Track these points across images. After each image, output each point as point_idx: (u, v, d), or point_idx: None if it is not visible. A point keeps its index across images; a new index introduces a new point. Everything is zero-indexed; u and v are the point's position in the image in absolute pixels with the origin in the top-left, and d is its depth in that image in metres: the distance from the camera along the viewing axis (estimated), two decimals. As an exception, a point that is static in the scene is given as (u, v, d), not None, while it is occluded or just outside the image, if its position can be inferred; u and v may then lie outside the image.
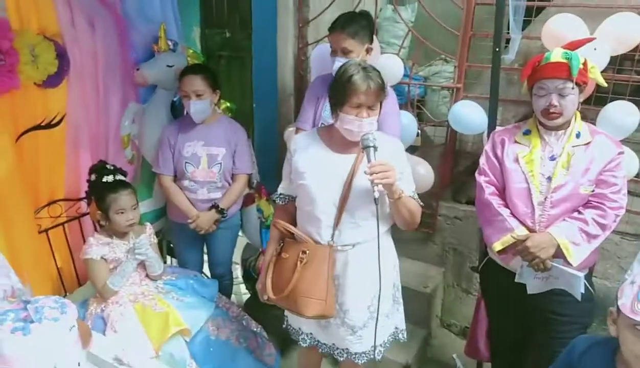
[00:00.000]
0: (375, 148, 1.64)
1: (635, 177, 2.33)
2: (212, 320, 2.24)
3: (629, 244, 2.51)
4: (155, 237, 2.36)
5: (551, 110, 1.77)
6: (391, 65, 2.59)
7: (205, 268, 2.88)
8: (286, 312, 2.01)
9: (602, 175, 1.79)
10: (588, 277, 1.92)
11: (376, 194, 1.60)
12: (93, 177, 2.22)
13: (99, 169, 2.22)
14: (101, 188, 2.16)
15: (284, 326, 2.06)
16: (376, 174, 1.58)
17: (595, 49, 2.08)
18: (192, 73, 2.39)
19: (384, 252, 1.71)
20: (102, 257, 2.14)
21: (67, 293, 2.36)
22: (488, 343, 2.38)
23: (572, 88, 1.75)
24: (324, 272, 1.73)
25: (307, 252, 1.75)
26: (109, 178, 2.17)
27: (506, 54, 2.38)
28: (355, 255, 1.79)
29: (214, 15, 4.34)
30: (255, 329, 2.51)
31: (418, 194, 1.87)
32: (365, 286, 1.81)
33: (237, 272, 3.29)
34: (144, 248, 2.15)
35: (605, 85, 1.94)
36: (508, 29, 2.42)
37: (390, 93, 2.16)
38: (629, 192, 2.76)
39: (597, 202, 1.79)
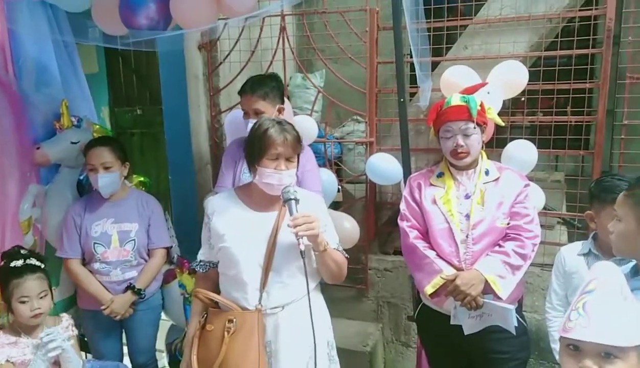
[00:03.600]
0: (297, 200, 1.62)
1: (543, 209, 2.48)
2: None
3: (549, 274, 2.60)
4: (74, 328, 2.07)
5: (459, 151, 1.86)
6: (305, 125, 2.63)
7: (126, 360, 2.59)
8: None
9: (514, 207, 1.88)
10: (519, 310, 1.96)
11: (302, 247, 1.56)
12: (2, 263, 1.95)
13: (11, 253, 1.96)
14: (6, 273, 1.89)
15: None
16: (300, 226, 1.55)
17: (488, 93, 2.27)
18: (99, 145, 2.30)
19: (315, 309, 1.64)
20: (7, 360, 1.82)
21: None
22: (433, 393, 2.31)
23: (474, 127, 1.87)
24: (254, 341, 1.62)
25: (234, 320, 1.64)
26: (17, 263, 1.89)
27: (419, 103, 2.53)
28: (285, 317, 1.70)
29: (124, 93, 4.29)
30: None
31: (345, 250, 1.85)
32: (300, 349, 1.71)
33: (164, 360, 3.01)
34: (58, 341, 1.81)
35: (503, 124, 2.11)
36: (412, 83, 2.59)
37: (307, 150, 2.18)
38: (541, 226, 2.95)
39: (514, 234, 1.87)
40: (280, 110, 2.18)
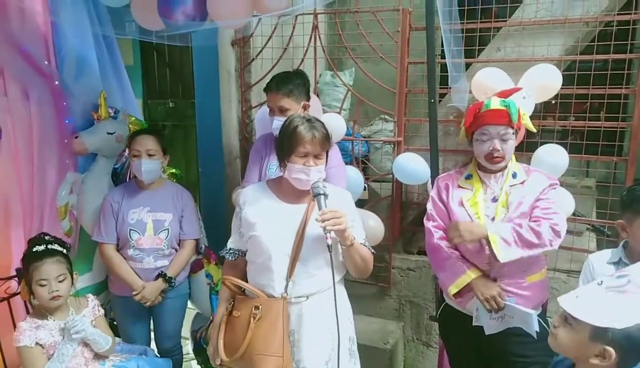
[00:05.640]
0: (325, 195, 1.65)
1: (572, 215, 2.45)
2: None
3: (575, 281, 2.58)
4: (100, 308, 2.15)
5: (495, 155, 1.85)
6: (334, 123, 2.66)
7: (153, 345, 2.67)
8: (239, 379, 1.89)
9: (535, 203, 1.86)
10: (542, 315, 1.95)
11: (329, 241, 1.59)
12: (26, 248, 2.03)
13: (35, 239, 2.03)
14: (28, 258, 1.96)
15: None
16: (328, 220, 1.58)
17: (524, 98, 2.24)
18: (145, 133, 2.40)
19: (338, 302, 1.67)
20: (37, 343, 1.90)
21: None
22: (454, 394, 2.32)
23: (513, 133, 1.86)
24: (279, 327, 1.67)
25: (260, 307, 1.69)
26: (39, 247, 1.96)
27: (456, 104, 2.52)
28: (309, 308, 1.74)
29: (157, 86, 4.39)
30: (211, 407, 2.31)
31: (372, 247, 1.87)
32: (322, 340, 1.75)
33: (188, 347, 3.08)
34: (80, 325, 1.92)
35: (535, 130, 2.08)
36: (442, 84, 2.58)
37: (334, 147, 2.21)
38: (569, 231, 2.91)
39: (534, 218, 1.84)
40: (305, 107, 2.19)
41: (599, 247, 2.85)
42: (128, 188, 2.45)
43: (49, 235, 2.09)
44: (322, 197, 1.65)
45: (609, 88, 2.51)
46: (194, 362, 3.08)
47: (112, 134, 2.54)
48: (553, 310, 2.60)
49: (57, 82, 2.44)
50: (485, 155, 1.87)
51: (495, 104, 1.86)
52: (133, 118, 2.77)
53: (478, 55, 2.83)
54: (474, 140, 1.91)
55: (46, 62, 2.39)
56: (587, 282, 1.91)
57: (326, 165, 1.77)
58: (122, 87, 2.87)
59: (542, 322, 1.84)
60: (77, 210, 2.56)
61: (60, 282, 1.93)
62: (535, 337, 1.79)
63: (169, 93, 4.32)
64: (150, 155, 2.33)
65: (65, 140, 2.48)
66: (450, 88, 2.53)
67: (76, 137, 2.47)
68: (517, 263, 1.86)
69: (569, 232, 2.89)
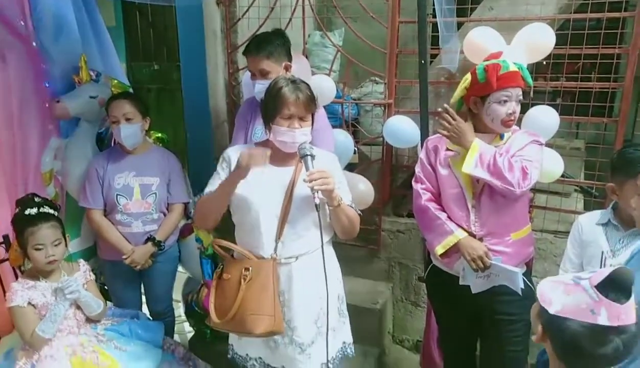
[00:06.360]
0: (312, 156, 1.66)
1: (561, 177, 2.45)
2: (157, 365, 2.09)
3: (562, 242, 2.61)
4: (91, 273, 2.17)
5: (512, 118, 1.84)
6: (323, 85, 2.61)
7: (145, 309, 2.69)
8: (231, 341, 1.94)
9: (516, 152, 1.86)
10: (527, 275, 1.98)
11: (317, 201, 1.60)
12: (17, 210, 2.02)
13: (25, 201, 2.02)
14: (21, 221, 1.96)
15: (229, 356, 1.96)
16: (315, 180, 1.59)
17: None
18: (120, 97, 2.34)
19: (327, 262, 1.69)
20: (29, 303, 1.92)
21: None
22: (441, 353, 2.38)
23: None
24: (269, 288, 1.70)
25: (250, 268, 1.71)
26: (32, 210, 1.96)
27: (447, 65, 2.47)
28: (298, 268, 1.77)
29: (141, 48, 4.27)
30: (204, 369, 2.36)
31: (361, 211, 1.89)
32: (312, 300, 1.78)
33: (180, 309, 3.12)
34: (74, 286, 1.94)
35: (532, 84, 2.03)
36: (434, 44, 2.52)
37: (320, 109, 2.17)
38: (557, 193, 2.93)
39: (512, 159, 1.82)
40: (287, 68, 2.13)
41: (587, 208, 2.88)
42: (113, 153, 2.41)
43: (38, 196, 2.07)
44: (309, 158, 1.65)
45: (602, 48, 2.47)
46: (186, 324, 3.13)
47: (94, 97, 2.48)
48: (539, 270, 2.65)
49: (34, 44, 2.35)
50: (502, 118, 1.83)
51: (512, 66, 1.83)
52: (115, 81, 2.71)
53: (470, 15, 2.77)
54: (489, 103, 1.84)
55: (21, 23, 2.30)
56: (575, 242, 1.94)
57: (312, 127, 1.75)
58: (105, 49, 2.79)
59: (527, 280, 1.87)
60: (62, 176, 2.53)
61: (55, 246, 1.96)
62: (521, 294, 1.82)
63: (153, 55, 4.21)
64: (128, 120, 2.29)
65: (47, 105, 2.42)
66: (441, 49, 2.48)
67: (57, 101, 2.42)
68: (502, 221, 1.88)
69: (556, 193, 2.93)
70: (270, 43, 2.09)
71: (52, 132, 2.49)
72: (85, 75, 2.50)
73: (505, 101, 1.82)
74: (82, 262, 2.17)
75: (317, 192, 1.60)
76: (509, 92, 1.82)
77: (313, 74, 2.86)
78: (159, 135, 2.91)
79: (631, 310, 1.05)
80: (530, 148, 1.87)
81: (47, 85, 2.44)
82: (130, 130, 2.30)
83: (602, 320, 1.03)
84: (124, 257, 2.33)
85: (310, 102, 1.70)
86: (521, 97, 1.86)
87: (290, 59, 2.17)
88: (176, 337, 2.83)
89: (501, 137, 1.92)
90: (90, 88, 2.50)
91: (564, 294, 1.10)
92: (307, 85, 1.72)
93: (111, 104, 2.32)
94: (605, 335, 1.04)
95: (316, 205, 1.60)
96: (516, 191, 1.77)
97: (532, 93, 2.10)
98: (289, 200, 1.72)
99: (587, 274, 1.11)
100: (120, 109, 2.28)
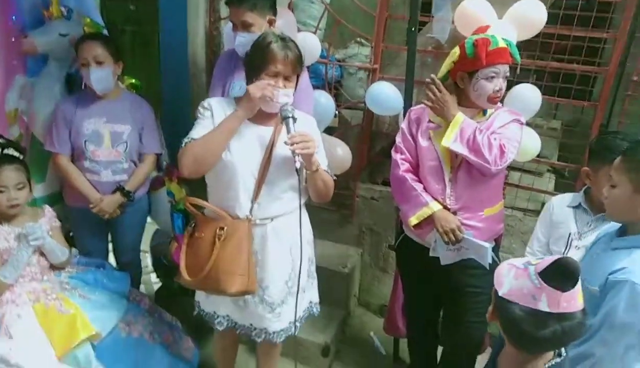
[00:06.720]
0: (294, 119, 1.63)
1: (537, 157, 2.48)
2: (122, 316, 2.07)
3: (530, 220, 2.68)
4: (57, 220, 2.12)
5: (498, 95, 1.82)
6: (308, 43, 2.52)
7: (111, 259, 2.65)
8: (197, 298, 1.94)
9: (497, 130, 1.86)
10: (495, 249, 2.02)
11: (297, 164, 1.58)
12: None
13: None
14: None
15: (195, 313, 1.96)
16: (297, 143, 1.56)
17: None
18: (91, 39, 2.21)
19: (302, 225, 1.69)
20: None
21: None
22: (405, 320, 2.44)
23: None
24: (244, 248, 1.69)
25: (225, 228, 1.69)
26: None
27: (436, 36, 2.41)
28: (273, 230, 1.77)
29: (117, -15, 4.01)
30: (170, 321, 2.35)
31: (336, 176, 1.88)
32: (284, 261, 1.79)
33: (147, 260, 3.09)
34: (39, 233, 1.89)
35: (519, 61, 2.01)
36: (425, 11, 2.45)
37: (304, 71, 2.10)
38: (531, 172, 2.98)
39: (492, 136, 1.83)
40: (270, 22, 2.05)
41: (557, 189, 2.95)
42: (82, 97, 2.29)
43: (2, 137, 1.97)
44: (291, 120, 1.62)
45: (590, 30, 2.46)
46: (153, 275, 3.11)
47: (65, 35, 2.33)
48: (505, 245, 2.72)
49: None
50: (489, 94, 1.81)
51: (501, 42, 1.79)
52: (88, 20, 2.54)
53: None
54: (476, 79, 1.81)
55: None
56: (545, 222, 1.99)
57: (295, 89, 1.70)
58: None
59: (494, 256, 1.91)
60: (27, 116, 2.40)
61: (19, 189, 1.91)
62: (488, 268, 1.86)
63: (130, -7, 3.97)
64: (99, 63, 2.17)
65: (13, 39, 2.26)
66: (432, 16, 2.41)
67: (25, 37, 2.26)
68: (477, 196, 1.90)
69: (530, 172, 2.98)
70: None
71: (17, 69, 2.34)
72: (56, 10, 2.34)
73: (492, 77, 1.80)
74: (47, 207, 2.11)
75: (298, 156, 1.57)
76: (497, 68, 1.80)
77: (298, 30, 2.76)
78: (133, 81, 2.79)
79: (574, 298, 1.08)
80: (511, 127, 1.87)
81: (14, 18, 2.26)
82: (101, 74, 2.18)
83: (542, 306, 1.07)
84: (91, 205, 2.26)
85: (298, 62, 1.65)
86: (508, 74, 1.84)
87: (275, 13, 2.08)
88: (142, 287, 2.81)
89: (484, 112, 1.91)
90: (61, 25, 2.34)
91: (513, 278, 1.14)
92: (296, 44, 1.66)
93: (81, 44, 2.18)
94: (545, 321, 1.08)
95: (297, 169, 1.58)
96: (492, 169, 1.78)
97: (518, 70, 2.06)
98: (268, 161, 1.69)
99: (536, 260, 1.14)
100: (91, 51, 2.16)
